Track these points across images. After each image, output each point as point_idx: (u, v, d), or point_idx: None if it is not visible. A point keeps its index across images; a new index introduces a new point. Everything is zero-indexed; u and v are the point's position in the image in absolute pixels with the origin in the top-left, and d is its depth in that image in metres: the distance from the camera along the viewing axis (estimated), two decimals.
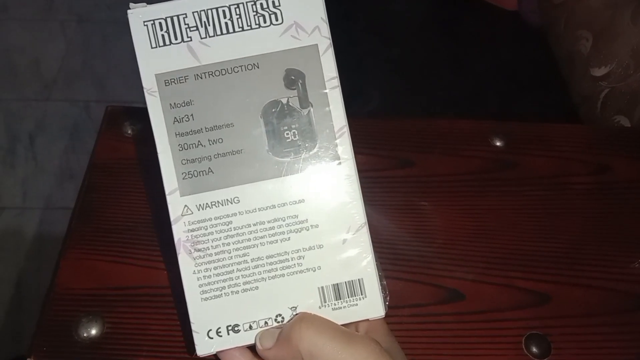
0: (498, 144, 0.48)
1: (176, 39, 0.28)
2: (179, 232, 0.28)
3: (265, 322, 0.29)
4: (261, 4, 0.28)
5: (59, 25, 1.43)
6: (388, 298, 0.37)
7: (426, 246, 0.41)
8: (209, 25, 0.28)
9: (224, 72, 0.28)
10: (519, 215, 0.43)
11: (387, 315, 0.29)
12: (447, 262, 0.41)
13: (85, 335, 0.36)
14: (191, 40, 0.28)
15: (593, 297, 0.39)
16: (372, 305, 0.29)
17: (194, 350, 0.29)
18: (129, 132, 0.47)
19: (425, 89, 0.78)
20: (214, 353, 0.29)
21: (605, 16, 0.63)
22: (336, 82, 0.28)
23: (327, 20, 0.28)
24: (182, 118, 0.28)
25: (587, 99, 0.66)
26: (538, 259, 0.41)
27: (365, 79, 0.78)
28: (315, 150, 0.29)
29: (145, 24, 0.28)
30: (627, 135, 0.51)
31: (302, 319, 0.28)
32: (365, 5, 0.87)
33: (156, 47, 0.28)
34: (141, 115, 0.47)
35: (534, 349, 0.36)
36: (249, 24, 0.28)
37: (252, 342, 0.29)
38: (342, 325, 0.28)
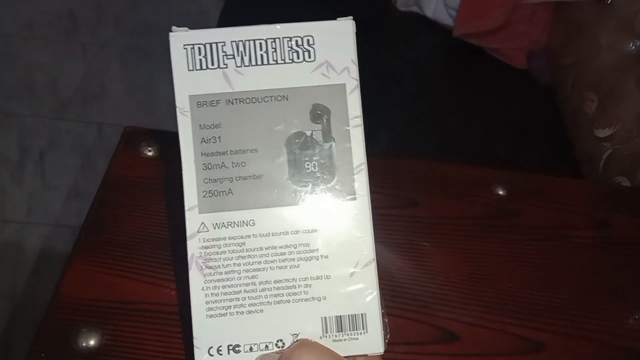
0: (501, 192, 0.49)
1: (213, 64, 0.29)
2: (194, 247, 0.29)
3: (266, 346, 0.29)
4: (296, 41, 0.29)
5: (80, 48, 1.46)
6: (389, 336, 0.38)
7: (425, 286, 0.42)
8: (245, 55, 0.29)
9: (254, 100, 0.29)
10: (518, 262, 0.44)
11: None
12: (445, 303, 0.41)
13: (84, 345, 0.36)
14: (227, 67, 0.29)
15: (587, 349, 0.40)
16: (372, 340, 0.29)
17: None
18: (146, 152, 0.48)
19: (435, 134, 0.80)
20: None
21: (612, 79, 0.65)
22: (359, 120, 0.29)
23: (357, 63, 0.29)
24: (209, 139, 0.29)
25: (590, 158, 0.68)
26: (535, 307, 0.41)
27: (376, 121, 0.79)
28: (332, 183, 0.29)
29: (185, 47, 0.29)
30: (628, 193, 0.52)
31: (303, 345, 0.28)
32: (382, 50, 0.89)
33: (193, 70, 0.29)
34: (157, 138, 0.48)
35: None
36: (282, 58, 0.29)
37: None
38: None
